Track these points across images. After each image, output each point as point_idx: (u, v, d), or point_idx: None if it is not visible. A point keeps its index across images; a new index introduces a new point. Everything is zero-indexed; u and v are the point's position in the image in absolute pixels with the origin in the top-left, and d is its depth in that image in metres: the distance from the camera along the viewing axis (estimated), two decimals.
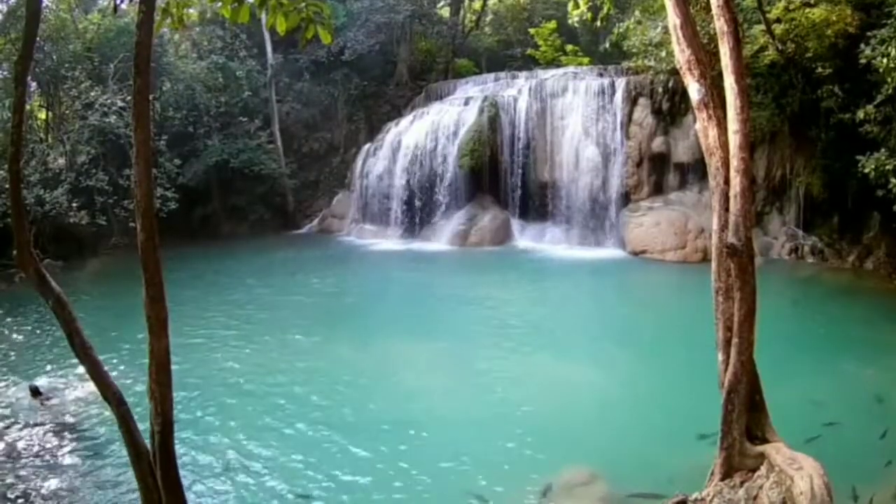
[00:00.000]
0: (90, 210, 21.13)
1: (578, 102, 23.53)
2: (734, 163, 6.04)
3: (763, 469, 5.91)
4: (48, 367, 11.39)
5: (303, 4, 4.71)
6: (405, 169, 24.88)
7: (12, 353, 12.39)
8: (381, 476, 7.74)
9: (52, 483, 7.60)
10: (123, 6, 19.30)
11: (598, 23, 24.76)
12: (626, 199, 22.55)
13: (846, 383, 10.15)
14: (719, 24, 6.29)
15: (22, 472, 7.83)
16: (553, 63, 30.17)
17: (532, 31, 32.02)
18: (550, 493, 7.20)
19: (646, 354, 12.24)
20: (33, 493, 7.37)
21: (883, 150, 14.62)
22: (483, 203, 24.27)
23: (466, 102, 25.18)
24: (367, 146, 27.23)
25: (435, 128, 24.72)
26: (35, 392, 9.93)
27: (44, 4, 20.76)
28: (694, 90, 6.45)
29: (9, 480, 7.61)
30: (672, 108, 22.12)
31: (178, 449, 5.25)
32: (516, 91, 25.00)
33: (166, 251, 5.78)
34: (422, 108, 27.05)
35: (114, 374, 5.45)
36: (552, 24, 31.28)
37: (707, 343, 6.78)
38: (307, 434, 8.86)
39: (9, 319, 14.75)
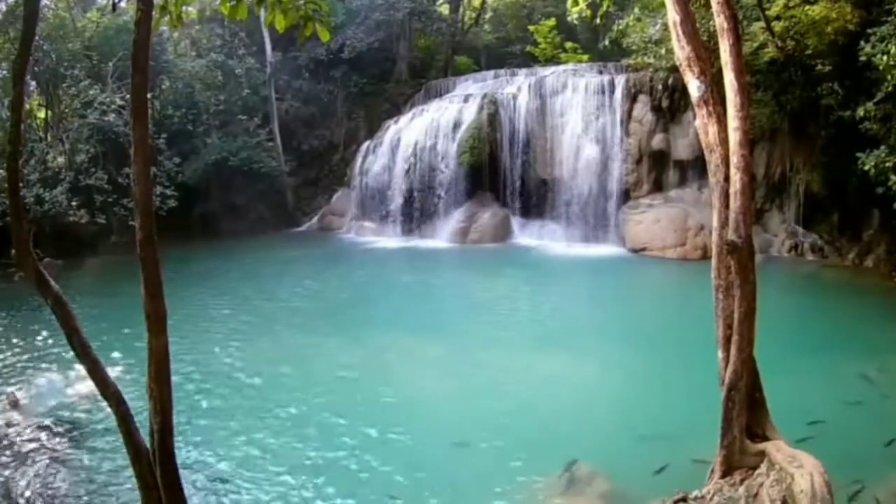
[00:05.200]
0: (89, 209, 21.13)
1: (578, 100, 23.50)
2: (734, 160, 6.02)
3: (763, 467, 5.89)
4: (45, 366, 11.37)
5: (301, 2, 4.69)
6: (405, 166, 24.88)
7: (8, 352, 12.37)
8: (380, 477, 7.74)
9: (52, 483, 7.59)
10: (122, 4, 19.29)
11: (598, 20, 24.82)
12: (625, 196, 22.54)
13: (847, 381, 10.11)
14: (719, 20, 6.27)
15: (20, 473, 7.81)
16: (552, 60, 30.16)
17: (531, 28, 32.01)
18: (575, 466, 7.35)
19: (646, 352, 12.22)
20: (33, 494, 7.36)
21: (883, 147, 14.61)
22: (483, 200, 24.25)
23: (466, 100, 25.17)
24: (366, 144, 27.23)
25: (434, 125, 24.71)
26: (13, 401, 9.71)
27: (42, 3, 20.74)
28: (694, 87, 6.44)
29: (9, 481, 7.60)
30: (672, 105, 22.10)
31: (178, 447, 5.24)
32: (516, 88, 24.99)
33: (165, 249, 5.78)
34: (421, 106, 27.04)
35: (112, 373, 5.43)
36: (551, 22, 31.27)
37: (707, 340, 6.77)
38: (307, 434, 8.85)
39: (7, 318, 14.74)
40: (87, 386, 9.08)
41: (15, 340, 13.04)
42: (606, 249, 21.78)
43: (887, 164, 14.26)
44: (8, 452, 8.35)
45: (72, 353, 5.12)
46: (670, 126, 22.31)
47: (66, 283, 15.65)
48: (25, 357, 12.04)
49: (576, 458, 7.47)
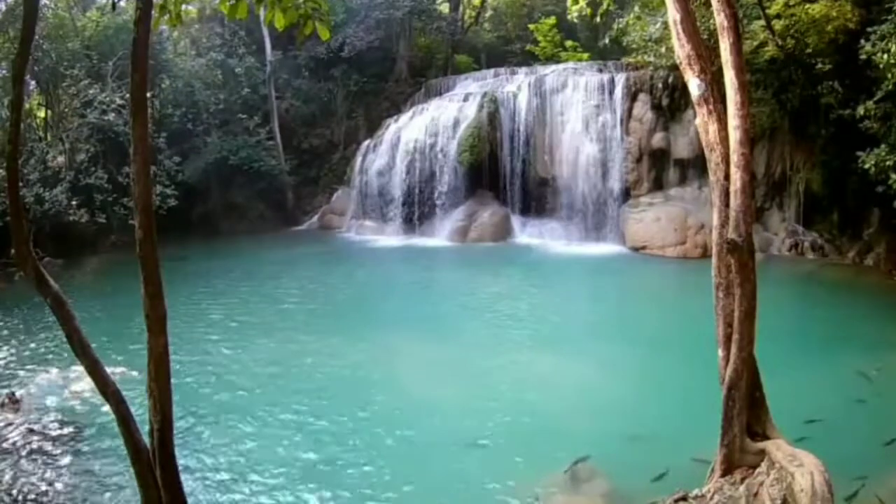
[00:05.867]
0: (89, 208, 21.11)
1: (578, 98, 23.50)
2: (734, 158, 6.02)
3: (763, 466, 5.89)
4: (45, 365, 11.36)
5: (301, 0, 4.69)
6: (405, 165, 24.86)
7: (8, 352, 12.36)
8: (383, 476, 7.74)
9: (52, 483, 7.58)
10: (122, 3, 19.30)
11: (598, 18, 24.88)
12: (625, 194, 22.55)
13: (847, 380, 10.12)
14: (719, 19, 6.27)
15: (21, 473, 7.80)
16: (552, 59, 30.14)
17: (531, 26, 32.00)
18: (581, 462, 7.36)
19: (646, 351, 12.22)
20: (33, 494, 7.36)
21: (883, 146, 14.61)
22: (483, 199, 24.25)
23: (466, 98, 25.17)
24: (366, 142, 27.22)
25: (434, 124, 24.70)
26: (13, 400, 9.64)
27: (42, 2, 20.73)
28: (694, 86, 6.43)
29: (8, 481, 7.60)
30: (672, 104, 22.09)
31: (177, 447, 5.24)
32: (516, 87, 24.98)
33: (165, 249, 5.78)
34: (421, 105, 27.03)
35: (112, 372, 5.42)
36: (552, 20, 31.26)
37: (707, 339, 6.76)
38: (310, 434, 8.84)
39: (7, 318, 14.73)
40: (87, 385, 9.09)
41: (15, 340, 13.03)
42: (606, 248, 21.78)
43: (887, 163, 14.26)
44: (7, 452, 8.35)
45: (71, 352, 5.11)
46: (670, 124, 22.31)
47: (66, 282, 15.70)
48: (25, 356, 12.03)
49: (584, 455, 7.46)
